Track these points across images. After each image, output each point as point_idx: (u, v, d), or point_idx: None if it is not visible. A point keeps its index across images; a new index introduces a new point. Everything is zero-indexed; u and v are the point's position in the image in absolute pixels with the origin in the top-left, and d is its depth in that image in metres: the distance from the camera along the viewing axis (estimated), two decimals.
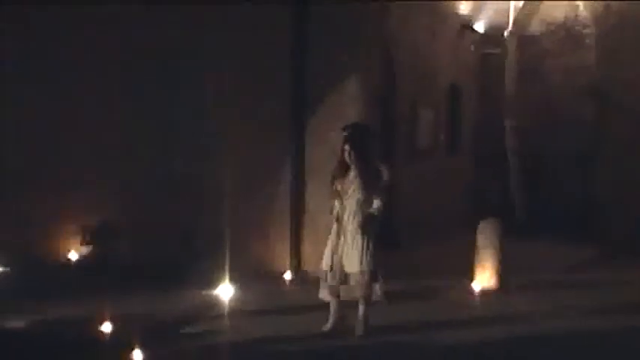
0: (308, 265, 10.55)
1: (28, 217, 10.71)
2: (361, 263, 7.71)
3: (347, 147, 7.75)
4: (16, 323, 8.02)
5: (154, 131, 10.77)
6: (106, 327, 7.70)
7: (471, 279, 9.80)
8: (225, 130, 10.50)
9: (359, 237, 7.73)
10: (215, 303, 8.70)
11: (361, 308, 7.91)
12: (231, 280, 9.15)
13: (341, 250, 7.79)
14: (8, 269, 9.80)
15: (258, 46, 10.47)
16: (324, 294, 8.01)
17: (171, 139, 10.75)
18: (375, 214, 7.74)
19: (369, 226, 7.73)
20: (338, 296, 7.92)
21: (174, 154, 10.70)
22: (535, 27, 14.85)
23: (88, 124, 10.79)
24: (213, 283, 9.24)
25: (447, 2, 13.68)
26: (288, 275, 10.35)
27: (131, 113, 10.74)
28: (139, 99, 10.70)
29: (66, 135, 10.79)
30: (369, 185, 7.72)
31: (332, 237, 7.86)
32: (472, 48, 14.91)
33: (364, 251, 7.71)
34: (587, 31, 14.14)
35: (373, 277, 7.78)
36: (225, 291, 8.95)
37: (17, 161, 10.85)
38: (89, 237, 10.68)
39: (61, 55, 10.71)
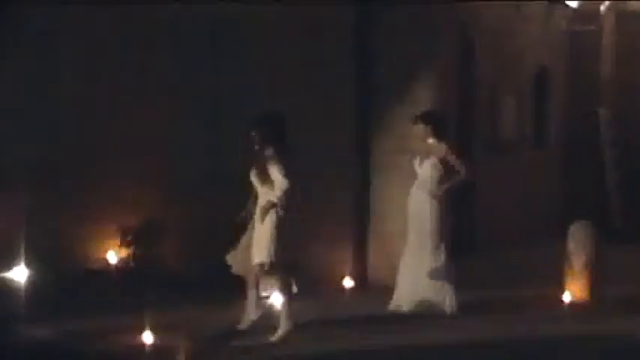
0: (373, 272, 10.55)
1: (65, 217, 10.91)
2: (261, 254, 8.24)
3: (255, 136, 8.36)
4: (48, 333, 8.15)
5: (202, 124, 10.87)
6: (148, 338, 7.78)
7: (561, 289, 9.68)
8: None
9: (259, 226, 8.29)
10: (269, 312, 8.74)
11: (281, 303, 8.39)
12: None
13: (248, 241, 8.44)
14: (41, 273, 9.95)
15: (323, 29, 10.52)
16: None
17: (223, 132, 10.83)
18: (275, 201, 8.21)
19: (267, 215, 8.23)
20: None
21: (225, 148, 10.78)
22: (636, 2, 14.63)
23: (126, 117, 10.93)
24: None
25: None
26: (349, 282, 10.35)
27: (177, 106, 10.87)
28: (187, 91, 10.84)
29: (105, 129, 10.94)
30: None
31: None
32: (563, 26, 14.72)
33: (264, 241, 8.22)
34: None
35: (274, 267, 8.24)
36: (277, 299, 8.97)
37: (52, 157, 11.03)
38: (129, 238, 10.80)
39: (105, 53, 10.89)
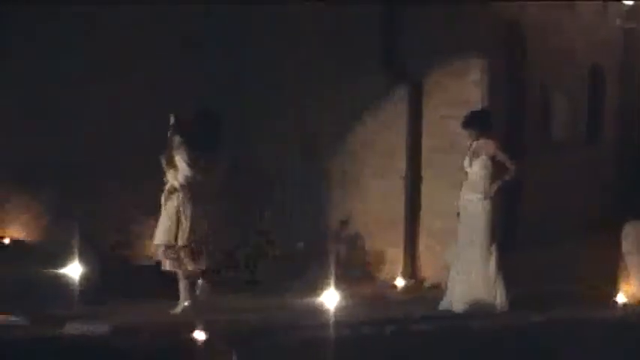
0: (423, 271, 10.58)
1: (126, 216, 11.10)
2: (161, 236, 8.84)
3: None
4: (110, 328, 8.29)
5: (262, 121, 10.99)
6: (200, 335, 7.89)
7: (614, 290, 9.62)
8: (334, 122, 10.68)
9: (163, 209, 8.86)
10: (319, 311, 8.82)
11: (198, 283, 8.99)
12: (337, 286, 9.23)
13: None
14: (103, 270, 10.14)
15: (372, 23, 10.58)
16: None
17: (277, 131, 10.95)
18: (176, 186, 8.81)
19: (169, 199, 8.85)
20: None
21: (280, 146, 10.91)
22: None
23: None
24: (317, 289, 9.36)
25: None
26: (400, 282, 10.39)
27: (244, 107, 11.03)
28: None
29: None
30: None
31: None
32: (617, 22, 14.59)
33: (165, 224, 8.81)
34: None
35: (173, 248, 8.82)
36: (330, 298, 9.05)
37: (113, 157, 11.22)
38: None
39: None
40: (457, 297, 9.29)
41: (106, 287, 9.65)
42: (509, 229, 10.73)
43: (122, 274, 10.23)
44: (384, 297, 10.07)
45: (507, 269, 9.31)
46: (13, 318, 8.45)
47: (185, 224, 8.80)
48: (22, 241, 11.70)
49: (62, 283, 9.56)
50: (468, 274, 9.25)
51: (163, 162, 8.91)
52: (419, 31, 10.55)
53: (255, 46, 11.00)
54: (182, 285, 9.01)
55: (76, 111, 11.39)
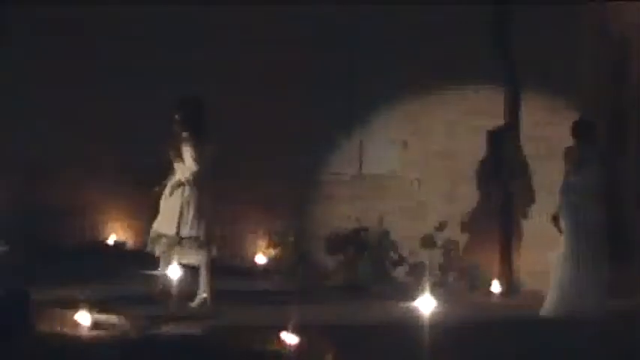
0: (520, 277, 10.47)
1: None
2: (191, 228, 9.14)
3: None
4: (195, 330, 8.42)
5: (343, 122, 11.04)
6: (290, 338, 7.95)
7: None
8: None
9: (168, 200, 9.21)
10: (414, 316, 8.81)
11: (201, 274, 9.23)
12: (432, 291, 9.20)
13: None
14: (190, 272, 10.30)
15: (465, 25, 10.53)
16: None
17: (363, 132, 10.97)
18: (182, 180, 9.15)
19: (175, 191, 9.20)
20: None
21: (365, 148, 10.92)
22: None
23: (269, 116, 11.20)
24: (412, 293, 9.36)
25: None
26: (496, 287, 10.31)
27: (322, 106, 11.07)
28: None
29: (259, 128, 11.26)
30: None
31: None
32: None
33: (169, 215, 9.15)
34: None
35: (177, 240, 9.17)
36: (424, 303, 9.03)
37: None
38: (277, 239, 11.00)
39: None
40: (557, 303, 9.19)
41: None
42: (621, 237, 10.52)
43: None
44: (480, 302, 9.99)
45: (614, 278, 9.18)
46: (113, 318, 8.64)
47: (188, 217, 9.17)
48: (124, 243, 11.92)
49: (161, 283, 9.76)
50: (569, 281, 9.14)
51: (172, 157, 9.23)
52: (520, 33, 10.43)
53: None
54: (162, 267, 9.33)
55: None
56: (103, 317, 8.54)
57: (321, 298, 9.85)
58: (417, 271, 10.39)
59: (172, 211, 9.20)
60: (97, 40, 11.75)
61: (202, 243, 9.25)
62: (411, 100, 10.91)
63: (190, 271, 9.42)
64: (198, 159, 9.12)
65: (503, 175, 10.56)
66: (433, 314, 8.77)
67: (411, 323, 8.59)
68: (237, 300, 9.49)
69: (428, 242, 10.53)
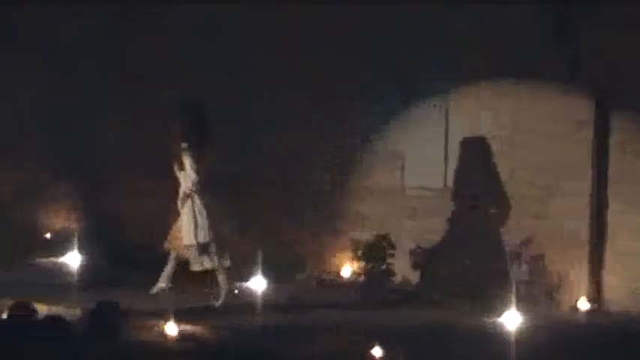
0: (608, 295, 10.30)
1: (301, 228, 11.35)
2: (195, 236, 9.49)
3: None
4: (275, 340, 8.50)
5: (430, 136, 11.03)
6: (377, 352, 7.95)
7: None
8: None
9: (182, 212, 9.55)
10: (498, 333, 8.74)
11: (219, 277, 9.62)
12: (518, 307, 9.11)
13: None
14: (278, 283, 10.37)
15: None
16: None
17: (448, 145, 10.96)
18: (187, 191, 9.46)
19: (185, 203, 9.50)
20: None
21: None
22: None
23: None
24: (497, 309, 9.28)
25: None
26: (583, 305, 10.16)
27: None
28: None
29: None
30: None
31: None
32: None
33: (186, 226, 9.49)
34: None
35: (201, 247, 9.49)
36: (510, 319, 8.95)
37: (276, 166, 11.50)
38: (362, 252, 11.01)
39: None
40: None
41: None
42: None
43: None
44: (566, 320, 9.86)
45: None
46: (196, 328, 8.75)
47: (203, 223, 9.49)
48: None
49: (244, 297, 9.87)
50: None
51: (176, 168, 9.52)
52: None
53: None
54: (168, 268, 9.68)
55: (266, 123, 11.67)
56: (188, 327, 8.67)
57: (404, 311, 9.84)
58: (500, 285, 10.29)
59: (189, 222, 9.53)
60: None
61: (215, 248, 9.56)
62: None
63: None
64: (197, 169, 9.42)
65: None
66: (519, 329, 8.69)
67: (497, 338, 8.53)
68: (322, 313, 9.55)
69: (513, 257, 10.44)
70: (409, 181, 11.12)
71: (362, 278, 10.89)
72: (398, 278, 10.76)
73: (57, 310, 8.65)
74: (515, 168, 10.66)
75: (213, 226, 9.53)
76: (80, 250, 10.73)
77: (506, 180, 10.70)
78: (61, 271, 10.87)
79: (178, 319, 8.59)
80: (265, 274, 9.94)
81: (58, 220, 12.42)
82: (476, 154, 10.78)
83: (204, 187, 9.51)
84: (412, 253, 10.82)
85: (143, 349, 8.13)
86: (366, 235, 10.88)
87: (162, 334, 8.51)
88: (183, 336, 8.51)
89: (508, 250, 10.52)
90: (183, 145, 9.43)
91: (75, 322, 8.06)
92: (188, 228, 9.53)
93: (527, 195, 10.55)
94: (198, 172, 9.42)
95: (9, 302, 8.00)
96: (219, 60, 11.59)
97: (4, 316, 7.85)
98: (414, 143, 11.05)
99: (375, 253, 10.80)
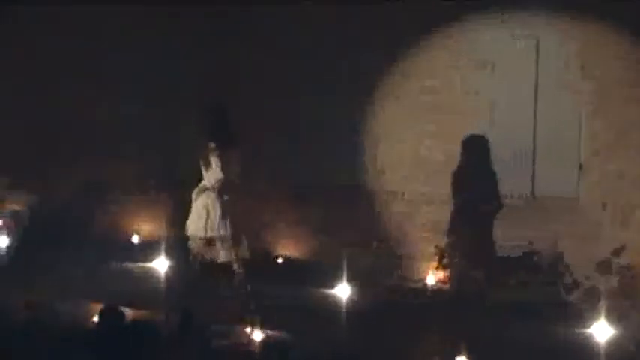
0: None
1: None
2: (218, 229, 9.83)
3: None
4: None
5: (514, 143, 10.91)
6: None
7: None
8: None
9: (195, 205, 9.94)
10: (588, 345, 8.63)
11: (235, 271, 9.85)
12: (607, 318, 8.98)
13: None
14: (360, 292, 10.38)
15: None
16: None
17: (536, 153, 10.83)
18: (208, 186, 9.87)
19: (201, 196, 9.93)
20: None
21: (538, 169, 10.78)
22: None
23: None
24: (585, 318, 9.15)
25: None
26: None
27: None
28: None
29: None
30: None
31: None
32: None
33: (202, 220, 9.84)
34: None
35: (213, 240, 9.88)
36: (599, 330, 8.82)
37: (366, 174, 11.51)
38: (446, 260, 10.96)
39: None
40: None
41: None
42: None
43: None
44: None
45: None
46: (280, 334, 8.81)
47: (213, 217, 9.84)
48: (293, 260, 12.11)
49: (330, 303, 9.89)
50: None
51: (201, 165, 9.90)
52: None
53: None
54: (194, 260, 10.03)
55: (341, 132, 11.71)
56: (267, 333, 8.73)
57: (490, 321, 9.76)
58: (591, 296, 10.15)
59: (199, 214, 9.88)
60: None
61: (231, 242, 9.85)
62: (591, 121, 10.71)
63: None
64: (224, 168, 9.78)
65: None
66: (608, 341, 8.56)
67: (585, 350, 8.42)
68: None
69: (604, 268, 10.29)
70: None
71: (448, 286, 10.84)
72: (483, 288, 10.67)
73: (144, 315, 8.79)
74: (609, 178, 10.53)
75: (226, 221, 9.84)
76: (168, 255, 10.90)
77: (602, 190, 10.58)
78: (148, 276, 11.03)
79: (259, 325, 8.64)
80: (350, 280, 9.96)
81: (145, 225, 12.62)
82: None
83: (228, 185, 9.82)
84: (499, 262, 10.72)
85: (227, 355, 8.21)
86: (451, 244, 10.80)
87: (245, 340, 8.59)
88: (264, 341, 8.56)
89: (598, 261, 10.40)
90: (211, 145, 9.82)
91: (161, 327, 8.18)
92: (195, 219, 9.91)
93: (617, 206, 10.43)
94: (223, 170, 9.81)
95: (99, 307, 8.16)
96: None
97: (94, 319, 8.01)
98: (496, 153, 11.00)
99: (459, 260, 10.72)
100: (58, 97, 12.60)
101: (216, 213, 9.84)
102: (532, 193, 10.99)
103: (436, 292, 10.90)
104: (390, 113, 11.58)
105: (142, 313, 9.02)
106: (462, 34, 11.20)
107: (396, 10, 11.28)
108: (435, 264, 11.08)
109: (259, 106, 11.71)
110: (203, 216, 9.88)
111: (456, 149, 10.20)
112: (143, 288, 10.38)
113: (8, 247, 11.57)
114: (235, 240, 9.88)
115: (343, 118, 11.56)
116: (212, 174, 9.86)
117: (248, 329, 8.70)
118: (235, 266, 9.91)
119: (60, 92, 12.60)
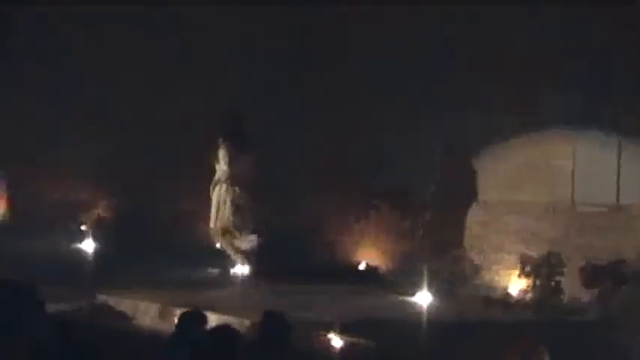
0: None
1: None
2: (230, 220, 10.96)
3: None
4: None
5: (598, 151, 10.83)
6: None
7: None
8: None
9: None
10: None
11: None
12: None
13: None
14: (443, 301, 10.36)
15: None
16: None
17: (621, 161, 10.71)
18: (216, 180, 11.06)
19: (215, 189, 11.07)
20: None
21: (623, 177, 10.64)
22: None
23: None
24: None
25: None
26: None
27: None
28: None
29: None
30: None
31: None
32: None
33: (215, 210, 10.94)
34: None
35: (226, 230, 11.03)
36: None
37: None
38: (529, 269, 10.87)
39: None
40: None
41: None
42: None
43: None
44: None
45: None
46: (362, 341, 8.84)
47: (224, 210, 10.89)
48: (376, 268, 12.11)
49: (409, 312, 9.89)
50: None
51: (212, 159, 11.00)
52: None
53: None
54: (226, 248, 11.11)
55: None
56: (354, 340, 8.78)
57: (576, 332, 9.65)
58: None
59: (215, 207, 10.99)
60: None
61: (247, 232, 10.87)
62: None
63: None
64: (229, 162, 10.81)
65: None
66: None
67: None
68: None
69: None
70: (579, 198, 10.93)
71: (529, 295, 10.75)
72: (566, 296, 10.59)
73: (227, 319, 8.89)
74: None
75: (238, 212, 10.88)
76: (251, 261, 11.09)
77: None
78: (231, 281, 11.18)
79: (341, 331, 8.69)
80: (429, 288, 9.97)
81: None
82: None
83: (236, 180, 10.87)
84: (582, 271, 10.60)
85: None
86: (535, 252, 10.77)
87: (327, 345, 8.64)
88: (345, 347, 8.60)
89: None
90: (220, 139, 10.91)
91: (244, 332, 8.27)
92: (214, 212, 10.96)
93: None
94: (229, 165, 10.81)
95: (181, 310, 8.29)
96: None
97: (176, 322, 8.14)
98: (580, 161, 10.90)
99: (544, 270, 10.66)
100: (138, 103, 12.87)
101: (227, 205, 10.88)
102: (617, 200, 10.85)
103: (519, 301, 10.83)
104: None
105: (224, 318, 9.12)
106: None
107: None
108: (517, 272, 11.02)
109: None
110: (214, 209, 10.93)
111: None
112: (225, 293, 10.52)
113: (94, 251, 11.83)
114: (253, 230, 10.93)
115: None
116: (220, 168, 10.90)
117: (330, 335, 8.75)
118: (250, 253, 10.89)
119: (145, 100, 12.85)
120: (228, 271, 11.32)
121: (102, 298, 9.95)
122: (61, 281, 9.51)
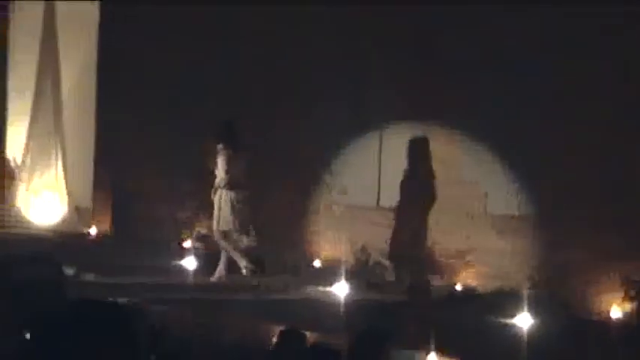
0: None
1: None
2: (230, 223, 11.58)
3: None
4: None
5: None
6: None
7: None
8: None
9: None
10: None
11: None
12: None
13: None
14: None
15: None
16: None
17: None
18: (216, 186, 11.64)
19: (215, 195, 11.68)
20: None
21: None
22: None
23: None
24: None
25: None
26: None
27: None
28: None
29: None
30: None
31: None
32: None
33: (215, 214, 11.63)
34: None
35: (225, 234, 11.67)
36: None
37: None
38: (634, 292, 10.70)
39: None
40: None
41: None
42: None
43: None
44: None
45: None
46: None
47: (225, 212, 11.46)
48: (474, 289, 12.05)
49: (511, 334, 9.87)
50: None
51: (212, 165, 11.56)
52: None
53: None
54: (223, 256, 11.60)
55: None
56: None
57: None
58: None
59: (217, 210, 11.51)
60: None
61: (244, 234, 11.47)
62: None
63: None
64: (228, 168, 11.34)
65: None
66: None
67: None
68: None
69: None
70: None
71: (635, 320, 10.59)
72: None
73: (323, 339, 8.98)
74: None
75: (236, 216, 11.42)
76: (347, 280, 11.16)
77: None
78: (325, 300, 11.28)
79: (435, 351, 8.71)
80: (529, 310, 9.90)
81: (327, 248, 12.90)
82: None
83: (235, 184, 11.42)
84: None
85: None
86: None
87: None
88: None
89: None
90: (219, 146, 11.45)
91: (342, 351, 8.35)
92: (216, 215, 11.55)
93: None
94: (227, 171, 11.35)
95: (279, 329, 8.42)
96: None
97: (274, 341, 8.26)
98: None
99: None
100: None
101: (226, 209, 11.41)
102: None
103: (622, 326, 10.67)
104: None
105: (322, 337, 9.20)
106: None
107: None
108: (621, 296, 10.87)
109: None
110: (216, 212, 11.46)
111: None
112: (323, 312, 10.60)
113: (196, 270, 12.06)
114: (243, 232, 11.44)
115: None
116: (218, 173, 11.42)
117: (427, 355, 8.76)
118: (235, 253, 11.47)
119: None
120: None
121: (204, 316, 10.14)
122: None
